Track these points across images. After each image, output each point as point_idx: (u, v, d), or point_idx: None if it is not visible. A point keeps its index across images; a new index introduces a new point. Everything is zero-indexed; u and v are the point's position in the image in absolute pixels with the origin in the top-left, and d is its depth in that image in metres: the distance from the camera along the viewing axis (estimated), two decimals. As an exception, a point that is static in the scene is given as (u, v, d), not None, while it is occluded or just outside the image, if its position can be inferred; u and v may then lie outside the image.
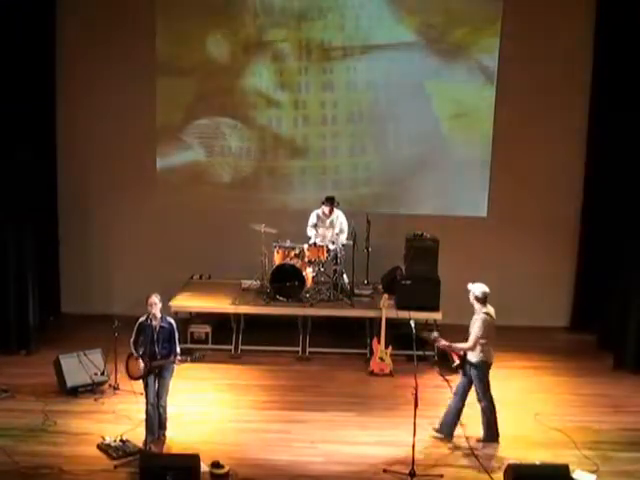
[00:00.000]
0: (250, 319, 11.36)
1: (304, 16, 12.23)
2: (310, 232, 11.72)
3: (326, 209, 11.65)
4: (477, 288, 8.67)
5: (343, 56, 12.30)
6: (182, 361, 8.53)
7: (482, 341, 8.58)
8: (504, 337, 11.79)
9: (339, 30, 12.24)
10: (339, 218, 11.76)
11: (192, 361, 8.62)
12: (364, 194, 12.51)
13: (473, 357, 8.65)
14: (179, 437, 8.63)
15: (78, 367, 9.67)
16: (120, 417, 9.03)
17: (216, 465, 7.88)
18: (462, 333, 11.67)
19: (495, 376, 10.47)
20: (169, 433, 8.61)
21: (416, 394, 7.97)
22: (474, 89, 12.31)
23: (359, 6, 12.18)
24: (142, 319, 8.55)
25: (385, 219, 11.93)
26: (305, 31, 12.28)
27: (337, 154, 12.55)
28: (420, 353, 10.15)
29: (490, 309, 8.70)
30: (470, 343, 8.60)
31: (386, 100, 12.38)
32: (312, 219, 11.78)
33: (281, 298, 11.30)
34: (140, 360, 8.41)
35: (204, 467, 7.68)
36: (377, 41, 12.21)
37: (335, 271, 11.71)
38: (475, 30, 12.14)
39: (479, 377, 8.67)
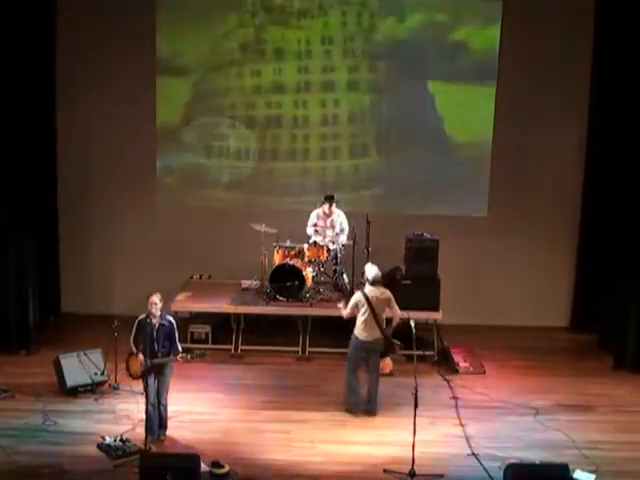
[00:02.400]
0: (250, 319, 11.35)
1: (304, 14, 12.22)
2: (310, 231, 11.71)
3: (326, 207, 11.63)
4: (370, 271, 9.31)
5: (344, 55, 12.29)
6: (183, 358, 8.54)
7: (360, 316, 9.18)
8: (504, 337, 11.88)
9: (340, 28, 12.23)
10: (339, 218, 11.74)
11: (193, 358, 8.62)
12: (364, 195, 12.49)
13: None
14: (179, 437, 8.62)
15: (78, 367, 9.66)
16: (120, 417, 9.02)
17: (216, 465, 7.88)
18: (462, 333, 11.73)
19: (495, 376, 10.53)
20: (169, 433, 8.61)
21: (416, 394, 7.96)
22: (475, 89, 12.29)
23: (360, 3, 12.17)
24: (141, 317, 8.56)
25: (385, 219, 11.89)
26: (305, 29, 12.26)
27: (338, 155, 12.55)
28: (420, 353, 10.14)
29: (377, 291, 9.19)
30: (347, 310, 9.41)
31: (387, 100, 12.37)
32: (312, 219, 11.76)
33: (281, 298, 11.29)
34: (140, 356, 8.42)
35: (204, 467, 7.68)
36: (379, 40, 12.21)
37: (335, 271, 11.71)
38: (475, 29, 12.14)
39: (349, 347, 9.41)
